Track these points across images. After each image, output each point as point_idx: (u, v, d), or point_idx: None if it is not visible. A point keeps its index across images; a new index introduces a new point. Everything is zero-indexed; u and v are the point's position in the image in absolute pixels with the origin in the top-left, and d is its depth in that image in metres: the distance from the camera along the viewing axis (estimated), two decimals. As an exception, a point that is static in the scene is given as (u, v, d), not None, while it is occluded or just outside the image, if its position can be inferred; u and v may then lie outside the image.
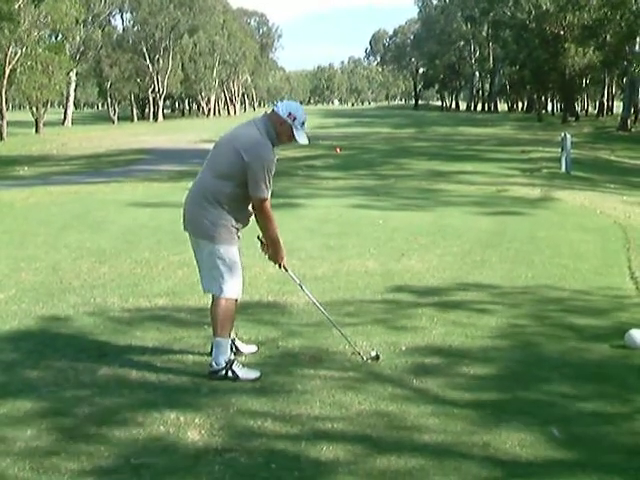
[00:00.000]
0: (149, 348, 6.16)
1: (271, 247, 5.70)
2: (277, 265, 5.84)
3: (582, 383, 5.47)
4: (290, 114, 5.40)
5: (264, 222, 5.56)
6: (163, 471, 4.11)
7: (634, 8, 49.51)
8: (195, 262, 5.76)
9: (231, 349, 5.73)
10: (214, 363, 5.50)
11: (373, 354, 5.89)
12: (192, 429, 4.62)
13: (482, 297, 7.89)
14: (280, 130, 5.43)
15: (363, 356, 5.87)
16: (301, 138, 5.48)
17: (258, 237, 5.73)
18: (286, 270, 5.90)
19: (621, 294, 8.10)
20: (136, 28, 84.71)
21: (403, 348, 6.15)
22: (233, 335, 5.90)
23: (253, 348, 6.11)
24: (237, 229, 5.50)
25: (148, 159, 33.10)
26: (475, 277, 8.80)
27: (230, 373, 5.45)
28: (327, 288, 8.15)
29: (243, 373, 5.48)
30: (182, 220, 5.66)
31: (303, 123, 5.47)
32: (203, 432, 4.59)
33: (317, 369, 5.68)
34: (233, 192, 5.37)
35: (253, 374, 5.52)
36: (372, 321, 6.92)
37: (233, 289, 5.50)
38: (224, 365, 5.46)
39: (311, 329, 6.59)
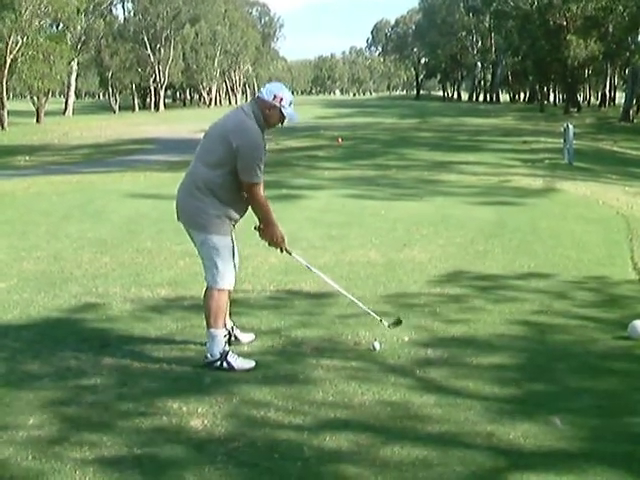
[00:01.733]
0: (151, 338, 6.15)
1: (268, 232, 5.62)
2: (279, 250, 5.75)
3: (585, 374, 5.46)
4: (275, 97, 5.36)
5: (258, 207, 5.50)
6: (166, 461, 4.11)
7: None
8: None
9: (229, 338, 5.73)
10: (209, 354, 5.50)
11: (392, 320, 6.11)
12: (195, 419, 4.62)
13: (485, 287, 7.88)
14: (269, 114, 5.39)
15: (384, 322, 6.02)
16: (292, 116, 5.45)
17: (255, 227, 5.67)
18: (289, 253, 5.84)
19: (624, 285, 8.09)
20: (137, 17, 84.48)
21: (406, 339, 6.14)
22: (231, 324, 5.89)
23: (251, 336, 6.11)
24: (231, 219, 5.46)
25: (149, 149, 33.11)
26: (478, 267, 8.79)
27: (225, 364, 5.44)
28: (329, 278, 8.12)
29: (238, 363, 5.48)
30: (175, 211, 5.63)
31: (290, 103, 5.42)
32: (206, 422, 4.58)
33: (320, 359, 5.67)
34: (225, 180, 5.33)
35: (248, 364, 5.51)
36: (374, 311, 6.89)
37: (225, 279, 5.47)
38: (219, 356, 5.46)
39: (314, 319, 6.59)
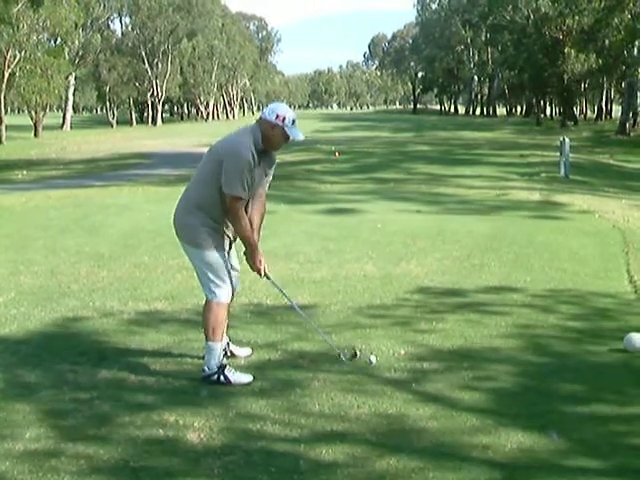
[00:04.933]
0: (148, 351, 6.16)
1: (247, 253, 5.53)
2: (257, 273, 5.62)
3: (581, 386, 5.48)
4: (278, 116, 5.36)
5: (233, 222, 5.41)
6: (162, 474, 4.11)
7: (633, 11, 49.54)
8: None
9: (225, 353, 5.73)
10: (206, 368, 5.51)
11: (350, 353, 5.83)
12: (191, 432, 4.63)
13: (481, 300, 7.89)
14: (273, 134, 5.39)
15: (342, 357, 5.80)
16: (296, 135, 5.44)
17: (243, 252, 5.66)
18: (268, 278, 5.72)
19: (620, 298, 8.11)
20: (135, 32, 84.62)
21: (402, 351, 6.15)
22: (227, 339, 5.89)
23: (247, 351, 6.11)
24: (224, 235, 5.46)
25: (147, 163, 33.13)
26: (474, 281, 8.81)
27: (222, 377, 5.44)
28: (326, 292, 8.15)
29: (235, 377, 5.48)
30: (173, 226, 5.66)
31: (294, 121, 5.41)
32: (202, 435, 4.59)
33: (316, 372, 5.68)
34: (217, 198, 5.34)
35: (245, 378, 5.51)
36: (371, 325, 6.92)
37: (222, 293, 5.48)
38: (216, 370, 5.46)
39: (310, 332, 6.57)
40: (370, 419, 4.84)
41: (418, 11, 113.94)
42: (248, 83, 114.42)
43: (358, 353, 5.82)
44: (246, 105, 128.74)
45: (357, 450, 4.38)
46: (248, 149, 5.29)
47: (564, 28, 59.87)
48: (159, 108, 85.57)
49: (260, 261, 5.54)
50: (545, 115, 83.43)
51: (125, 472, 4.12)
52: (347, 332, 6.52)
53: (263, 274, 5.62)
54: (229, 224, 5.46)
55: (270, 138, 5.41)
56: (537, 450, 4.40)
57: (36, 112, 59.40)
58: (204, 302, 5.61)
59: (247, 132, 5.41)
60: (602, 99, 76.20)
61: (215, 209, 5.38)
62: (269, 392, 5.30)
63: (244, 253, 5.60)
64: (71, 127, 73.51)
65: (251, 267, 5.61)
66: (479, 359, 6.02)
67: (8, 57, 49.50)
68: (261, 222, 5.69)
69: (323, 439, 4.53)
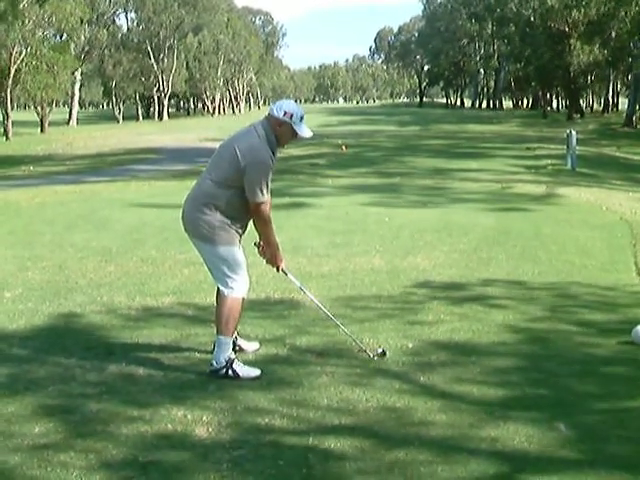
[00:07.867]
0: (156, 346, 6.17)
1: (269, 251, 5.67)
2: (275, 269, 5.82)
3: (589, 379, 5.47)
4: (286, 113, 5.36)
5: (261, 225, 5.54)
6: (171, 468, 4.12)
7: (640, 4, 49.39)
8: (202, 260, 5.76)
9: (233, 347, 5.74)
10: (214, 362, 5.50)
11: (380, 351, 5.89)
12: (200, 426, 4.63)
13: (488, 294, 7.88)
14: (281, 131, 5.40)
15: (369, 353, 5.87)
16: (304, 132, 5.46)
17: (255, 243, 5.72)
18: (285, 274, 5.89)
19: (628, 290, 8.10)
20: (140, 27, 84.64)
21: (410, 345, 6.15)
22: (235, 333, 5.90)
23: (255, 346, 6.11)
24: (237, 231, 5.48)
25: (154, 158, 33.15)
26: (481, 274, 8.80)
27: (230, 372, 5.44)
28: (333, 285, 8.15)
29: (243, 372, 5.48)
30: (181, 222, 5.66)
31: (302, 118, 5.43)
32: (211, 429, 4.59)
33: (324, 366, 5.68)
34: (231, 197, 5.35)
35: (253, 372, 5.51)
36: (378, 318, 6.92)
37: (239, 288, 5.49)
38: (224, 364, 5.46)
39: (318, 326, 6.60)
40: (378, 412, 4.84)
41: (424, 4, 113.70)
42: (254, 78, 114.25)
43: (387, 352, 5.88)
44: (252, 100, 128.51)
45: (365, 443, 4.38)
46: (269, 156, 5.35)
47: (570, 20, 59.67)
48: (165, 103, 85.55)
49: (282, 259, 5.75)
50: (551, 108, 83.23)
51: (134, 467, 4.12)
52: (354, 325, 6.51)
53: (280, 270, 5.80)
54: (241, 222, 5.47)
55: (278, 135, 5.41)
56: (546, 443, 4.38)
57: (42, 108, 59.47)
58: (217, 296, 5.61)
59: (261, 135, 5.37)
60: (608, 92, 75.92)
61: (231, 209, 5.38)
62: (277, 386, 5.29)
63: (256, 245, 5.71)
64: (77, 122, 73.66)
65: (268, 262, 5.78)
66: (486, 352, 6.02)
67: (14, 53, 49.56)
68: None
69: (331, 432, 4.52)
